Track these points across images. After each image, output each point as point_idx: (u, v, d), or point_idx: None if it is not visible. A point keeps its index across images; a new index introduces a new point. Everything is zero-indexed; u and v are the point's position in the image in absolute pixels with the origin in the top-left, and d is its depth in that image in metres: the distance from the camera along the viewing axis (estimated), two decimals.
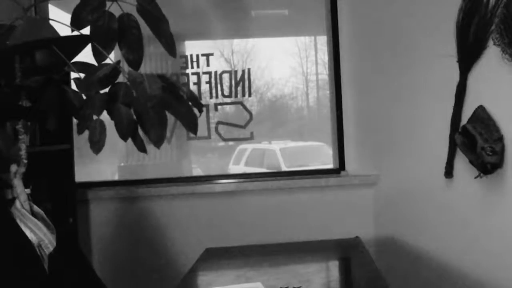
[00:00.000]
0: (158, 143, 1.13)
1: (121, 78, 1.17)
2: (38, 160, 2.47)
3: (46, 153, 2.41)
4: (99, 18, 1.20)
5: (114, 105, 1.10)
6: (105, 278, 2.84)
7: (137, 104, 1.10)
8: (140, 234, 2.83)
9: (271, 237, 2.68)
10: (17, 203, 1.23)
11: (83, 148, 2.93)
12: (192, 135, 3.02)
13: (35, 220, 1.23)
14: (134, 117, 1.14)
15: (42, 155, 2.44)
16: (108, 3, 1.26)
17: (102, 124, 1.15)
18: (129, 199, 2.82)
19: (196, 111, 1.19)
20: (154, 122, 1.09)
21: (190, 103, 1.15)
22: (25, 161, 1.24)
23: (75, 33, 1.20)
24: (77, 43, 1.15)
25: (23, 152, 1.21)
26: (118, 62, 1.10)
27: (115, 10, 1.31)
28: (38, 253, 1.19)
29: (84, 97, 1.15)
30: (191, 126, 1.13)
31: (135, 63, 1.18)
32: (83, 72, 1.18)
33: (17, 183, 1.24)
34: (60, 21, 1.18)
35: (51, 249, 1.22)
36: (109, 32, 1.21)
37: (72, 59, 1.15)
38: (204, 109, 3.00)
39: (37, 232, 1.21)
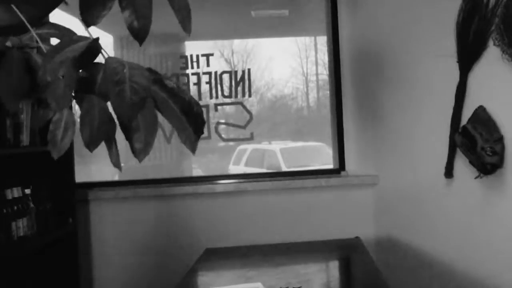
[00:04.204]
0: (141, 153, 0.81)
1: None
2: (38, 160, 2.48)
3: (46, 153, 2.41)
4: None
5: (84, 96, 0.80)
6: (105, 278, 2.85)
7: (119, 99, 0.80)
8: (140, 234, 2.83)
9: (271, 237, 2.68)
10: None
11: (83, 148, 2.93)
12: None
13: None
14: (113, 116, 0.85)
15: (42, 155, 2.45)
16: None
17: (70, 116, 0.84)
18: (129, 200, 2.82)
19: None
20: (140, 124, 0.81)
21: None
22: None
23: None
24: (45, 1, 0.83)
25: None
26: (97, 39, 0.81)
27: None
28: None
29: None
30: (189, 141, 0.84)
31: (141, 32, 0.84)
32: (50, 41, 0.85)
33: None
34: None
35: None
36: None
37: (38, 21, 0.84)
38: (204, 109, 3.00)
39: None
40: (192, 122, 0.85)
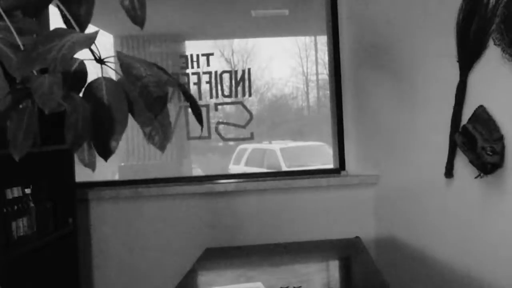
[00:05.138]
0: (162, 146, 0.79)
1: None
2: (38, 160, 2.48)
3: (46, 153, 2.41)
4: None
5: (67, 95, 0.74)
6: (105, 277, 2.85)
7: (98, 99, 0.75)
8: (140, 234, 2.83)
9: (271, 237, 2.68)
10: None
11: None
12: (192, 135, 3.03)
13: None
14: None
15: (42, 155, 2.44)
16: None
17: (31, 113, 0.79)
18: (129, 199, 2.82)
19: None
20: (114, 124, 0.76)
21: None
22: None
23: None
24: None
25: None
26: (96, 32, 0.73)
27: None
28: None
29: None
30: (162, 142, 0.79)
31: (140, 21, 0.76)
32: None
33: None
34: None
35: None
36: None
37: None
38: (204, 109, 3.00)
39: None
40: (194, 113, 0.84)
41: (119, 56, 0.75)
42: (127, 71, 0.75)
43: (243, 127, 3.04)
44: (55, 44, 0.69)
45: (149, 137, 0.79)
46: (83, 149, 0.82)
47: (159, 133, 0.79)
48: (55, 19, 0.83)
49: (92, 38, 0.71)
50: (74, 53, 0.70)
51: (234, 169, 3.17)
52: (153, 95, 0.73)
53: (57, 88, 0.70)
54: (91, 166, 0.82)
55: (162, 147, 0.79)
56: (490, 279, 2.18)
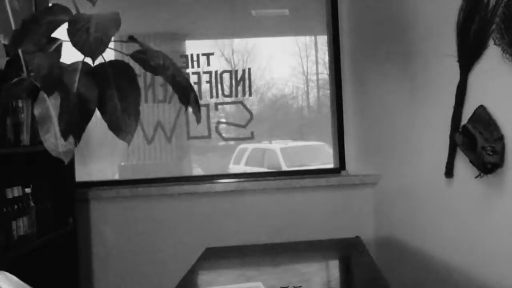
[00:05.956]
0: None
1: None
2: (39, 159, 2.48)
3: (46, 153, 2.41)
4: None
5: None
6: (106, 277, 2.85)
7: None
8: (140, 233, 2.83)
9: (271, 237, 2.68)
10: None
11: (84, 147, 2.93)
12: (192, 134, 3.03)
13: None
14: None
15: (42, 154, 2.44)
16: None
17: None
18: (130, 199, 2.82)
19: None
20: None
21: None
22: None
23: None
24: None
25: None
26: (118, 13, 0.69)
27: None
28: None
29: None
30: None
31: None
32: None
33: None
34: None
35: None
36: None
37: None
38: (205, 108, 3.00)
39: None
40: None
41: (142, 44, 0.80)
42: (153, 60, 0.75)
43: (243, 126, 3.04)
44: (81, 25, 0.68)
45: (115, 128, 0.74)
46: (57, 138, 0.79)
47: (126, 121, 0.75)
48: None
49: (116, 15, 0.70)
50: (110, 37, 0.70)
51: (234, 168, 3.17)
52: (182, 84, 0.75)
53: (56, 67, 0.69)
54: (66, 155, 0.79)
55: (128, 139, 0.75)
56: (490, 279, 2.18)
